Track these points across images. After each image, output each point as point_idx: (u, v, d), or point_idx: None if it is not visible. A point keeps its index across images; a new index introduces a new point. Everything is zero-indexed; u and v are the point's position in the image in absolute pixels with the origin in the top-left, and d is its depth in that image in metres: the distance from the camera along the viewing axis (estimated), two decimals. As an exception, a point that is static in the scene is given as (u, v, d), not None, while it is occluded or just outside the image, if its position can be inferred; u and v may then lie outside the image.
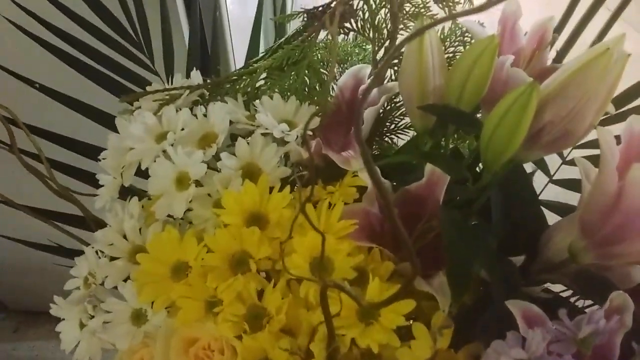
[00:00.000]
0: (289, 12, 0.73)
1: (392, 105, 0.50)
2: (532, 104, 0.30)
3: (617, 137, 0.35)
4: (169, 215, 0.42)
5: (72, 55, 0.61)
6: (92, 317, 0.42)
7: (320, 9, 0.43)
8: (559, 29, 0.50)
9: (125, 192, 0.46)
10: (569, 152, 0.49)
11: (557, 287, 0.44)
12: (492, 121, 0.32)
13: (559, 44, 0.49)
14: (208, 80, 0.51)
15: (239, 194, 0.39)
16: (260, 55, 0.50)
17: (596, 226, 0.34)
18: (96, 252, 0.44)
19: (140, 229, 0.43)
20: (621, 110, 0.44)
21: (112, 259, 0.43)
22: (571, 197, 0.44)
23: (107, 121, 0.58)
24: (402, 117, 0.50)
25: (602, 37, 0.53)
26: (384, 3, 0.44)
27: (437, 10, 0.46)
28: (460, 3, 0.45)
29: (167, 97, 0.48)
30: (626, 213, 0.31)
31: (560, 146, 0.34)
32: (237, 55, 0.85)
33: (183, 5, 0.70)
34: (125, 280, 0.42)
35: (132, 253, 0.42)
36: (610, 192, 0.32)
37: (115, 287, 0.42)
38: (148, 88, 0.50)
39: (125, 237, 0.43)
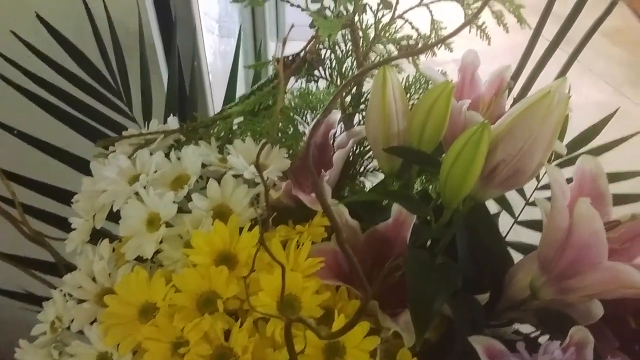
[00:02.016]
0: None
1: (361, 149, 0.52)
2: (484, 142, 0.32)
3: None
4: (139, 259, 0.42)
5: (51, 102, 0.62)
6: (57, 361, 0.41)
7: (291, 57, 0.45)
8: (515, 76, 0.53)
9: (97, 236, 0.46)
10: (532, 194, 0.50)
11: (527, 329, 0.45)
12: (448, 159, 0.34)
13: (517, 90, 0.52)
14: (184, 125, 0.53)
15: (209, 234, 0.40)
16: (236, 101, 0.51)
17: (553, 262, 0.35)
18: (64, 295, 0.44)
19: (109, 274, 0.43)
20: (576, 153, 0.46)
21: (80, 301, 0.43)
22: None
23: (84, 167, 0.59)
24: (370, 160, 0.52)
25: (577, 54, 0.55)
26: (350, 52, 0.47)
27: (400, 60, 0.49)
28: (424, 52, 0.48)
29: (143, 141, 0.49)
30: (577, 247, 0.32)
31: (514, 184, 0.35)
32: (218, 106, 0.87)
33: (163, 54, 0.72)
34: (91, 323, 0.41)
35: (100, 295, 0.42)
36: (562, 228, 0.33)
37: (82, 332, 0.41)
38: (124, 133, 0.51)
39: (94, 279, 0.43)
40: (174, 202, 0.42)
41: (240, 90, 0.75)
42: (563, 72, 0.56)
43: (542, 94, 0.31)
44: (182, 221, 0.42)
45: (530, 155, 0.33)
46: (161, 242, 0.42)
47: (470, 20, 0.22)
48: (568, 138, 0.50)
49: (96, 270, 0.42)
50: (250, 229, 0.41)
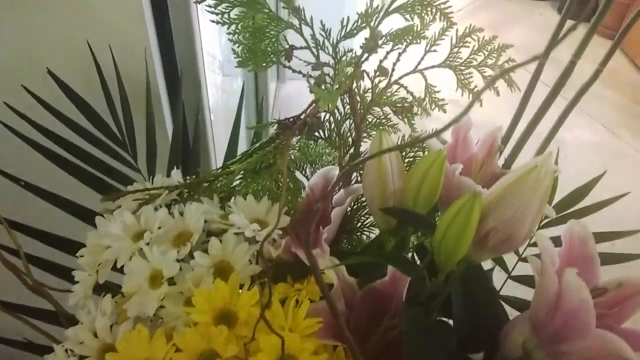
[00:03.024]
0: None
1: (359, 204, 0.53)
2: (476, 211, 0.34)
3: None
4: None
5: (57, 153, 0.64)
6: (56, 419, 0.41)
7: (291, 119, 0.48)
8: (515, 121, 0.55)
9: (100, 287, 0.47)
10: (524, 250, 0.52)
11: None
12: (442, 226, 0.36)
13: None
14: (187, 179, 0.54)
15: (210, 292, 0.41)
16: (238, 157, 0.53)
17: (543, 325, 0.36)
18: (66, 350, 0.45)
19: (111, 326, 0.44)
20: (564, 213, 0.48)
21: (82, 357, 0.43)
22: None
23: (89, 217, 0.60)
24: (367, 216, 0.54)
25: (558, 128, 0.58)
26: (348, 115, 0.49)
27: (396, 120, 0.51)
28: (418, 114, 0.51)
29: (147, 196, 0.51)
30: (566, 313, 0.33)
31: (506, 249, 0.37)
32: (219, 146, 0.89)
33: (168, 106, 0.75)
34: (92, 380, 0.42)
35: (101, 352, 0.43)
36: (552, 293, 0.34)
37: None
38: (129, 187, 0.53)
39: (96, 335, 0.43)
40: (176, 260, 0.43)
41: (241, 130, 0.77)
42: (561, 120, 0.58)
43: (528, 168, 0.32)
44: (184, 278, 0.43)
45: (521, 224, 0.34)
46: (162, 298, 0.43)
47: (472, 102, 0.24)
48: (565, 180, 0.51)
49: (98, 326, 0.43)
50: (250, 286, 0.42)
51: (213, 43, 1.12)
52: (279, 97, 2.41)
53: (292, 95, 2.37)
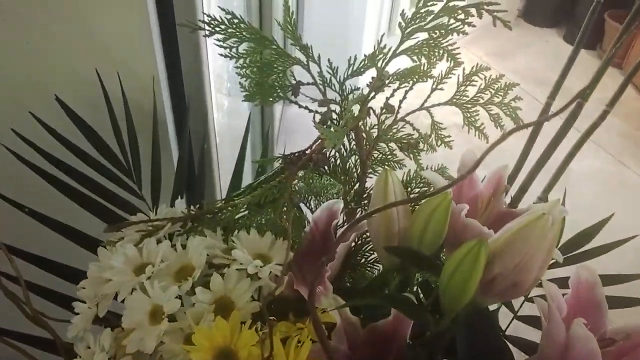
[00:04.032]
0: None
1: (363, 240, 0.53)
2: (482, 258, 0.33)
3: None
4: (139, 347, 0.42)
5: (61, 180, 0.64)
6: None
7: (296, 154, 0.47)
8: (525, 153, 0.55)
9: (100, 318, 0.46)
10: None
11: None
12: (447, 271, 0.35)
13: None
14: (191, 209, 0.54)
15: (210, 330, 0.40)
16: (242, 189, 0.53)
17: (551, 373, 0.35)
18: (63, 385, 0.44)
19: (109, 360, 0.43)
20: (571, 254, 0.47)
21: (79, 393, 0.42)
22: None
23: (91, 245, 0.60)
24: (372, 252, 0.53)
25: (571, 158, 0.58)
26: (353, 151, 0.49)
27: (402, 156, 0.51)
28: (424, 150, 0.50)
29: (151, 227, 0.50)
30: (575, 362, 0.32)
31: (512, 295, 0.36)
32: (224, 170, 0.89)
33: (174, 134, 0.75)
34: (89, 418, 0.41)
35: (99, 388, 0.42)
36: (559, 341, 0.34)
37: None
38: (132, 218, 0.53)
39: (93, 370, 0.43)
40: (177, 295, 0.42)
41: (247, 152, 0.77)
42: (570, 157, 0.57)
43: (536, 215, 0.32)
44: (184, 315, 0.42)
45: (527, 271, 0.34)
46: (163, 334, 0.42)
47: (481, 158, 0.24)
48: (571, 211, 0.50)
49: (96, 363, 0.42)
50: (251, 324, 0.41)
51: (221, 64, 1.13)
52: (284, 118, 2.42)
53: (298, 116, 2.38)
